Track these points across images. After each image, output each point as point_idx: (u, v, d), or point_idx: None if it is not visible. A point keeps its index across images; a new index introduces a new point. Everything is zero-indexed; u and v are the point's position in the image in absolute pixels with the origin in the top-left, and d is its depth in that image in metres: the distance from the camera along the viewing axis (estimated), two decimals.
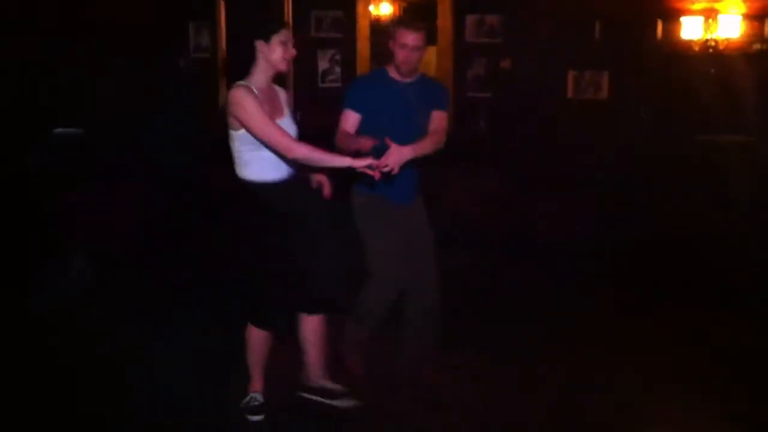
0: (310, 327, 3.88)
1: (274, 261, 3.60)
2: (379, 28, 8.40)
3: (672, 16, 7.13)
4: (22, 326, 5.05)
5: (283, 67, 3.55)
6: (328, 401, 3.94)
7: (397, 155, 3.52)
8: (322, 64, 8.30)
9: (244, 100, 3.39)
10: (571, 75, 7.58)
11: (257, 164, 3.53)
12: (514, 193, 6.74)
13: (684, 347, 4.71)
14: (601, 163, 6.87)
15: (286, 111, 3.67)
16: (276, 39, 3.47)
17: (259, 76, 3.53)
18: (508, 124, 7.47)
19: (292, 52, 3.54)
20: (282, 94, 3.71)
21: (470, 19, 7.83)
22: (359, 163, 3.41)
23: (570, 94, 7.60)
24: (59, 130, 7.71)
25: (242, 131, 3.45)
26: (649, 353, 4.63)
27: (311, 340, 3.90)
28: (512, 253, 6.29)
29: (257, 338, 3.79)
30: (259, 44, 3.48)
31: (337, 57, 8.26)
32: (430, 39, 8.23)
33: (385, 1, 8.77)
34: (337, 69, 8.26)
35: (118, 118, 7.76)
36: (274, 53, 3.49)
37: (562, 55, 7.50)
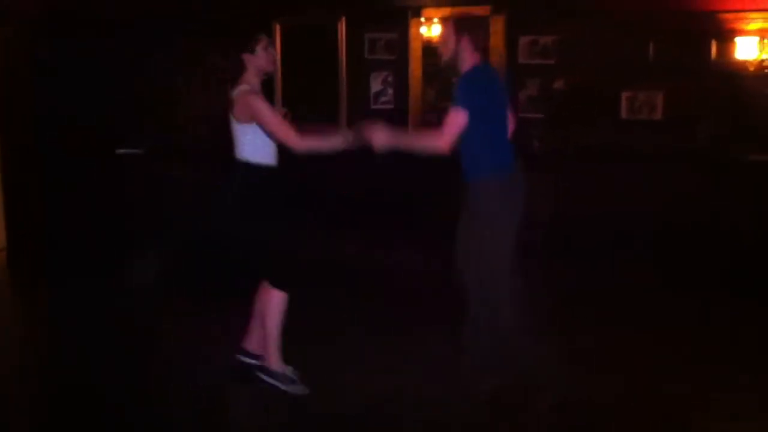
0: (269, 300, 4.33)
1: (282, 227, 4.28)
2: (431, 49, 8.46)
3: (726, 36, 7.06)
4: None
5: (272, 67, 4.38)
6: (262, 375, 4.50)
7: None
8: (375, 86, 8.40)
9: (256, 101, 4.13)
10: (624, 96, 7.54)
11: (259, 150, 4.22)
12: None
13: None
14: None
15: None
16: (259, 47, 4.27)
17: (254, 81, 4.29)
18: (561, 145, 7.45)
19: (273, 52, 4.39)
20: None
21: (523, 39, 7.85)
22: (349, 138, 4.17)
23: (624, 114, 7.55)
24: (122, 150, 7.96)
25: (250, 124, 4.15)
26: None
27: (266, 311, 4.37)
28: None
29: (281, 302, 4.29)
30: (246, 56, 4.26)
31: (390, 78, 8.35)
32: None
33: (437, 22, 8.83)
34: (390, 90, 8.35)
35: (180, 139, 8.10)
36: (261, 59, 4.27)
37: (615, 76, 7.48)
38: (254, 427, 4.27)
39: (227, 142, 4.37)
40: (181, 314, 5.79)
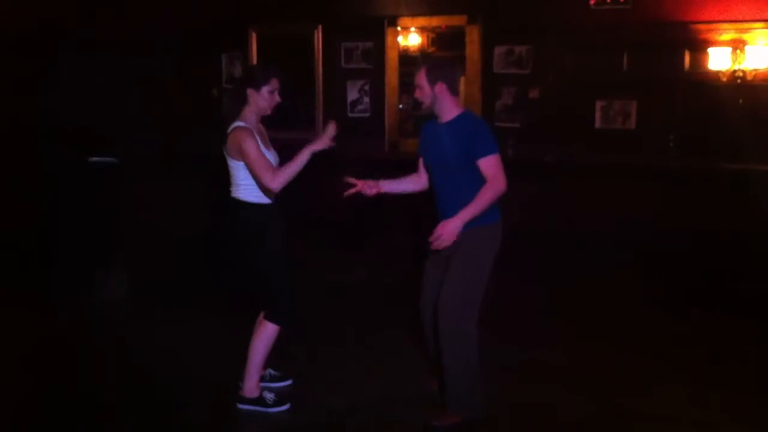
0: (263, 329, 4.27)
1: (278, 266, 4.19)
2: (407, 58, 8.49)
3: (700, 46, 7.13)
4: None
5: (269, 111, 4.16)
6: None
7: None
8: (352, 95, 8.41)
9: (245, 138, 3.98)
10: (599, 105, 7.60)
11: (254, 189, 4.09)
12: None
13: None
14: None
15: (270, 145, 4.25)
16: (265, 89, 4.08)
17: (251, 117, 4.11)
18: (536, 154, 7.48)
19: (278, 99, 4.14)
20: (265, 132, 4.27)
21: (498, 49, 7.89)
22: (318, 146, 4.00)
23: (598, 124, 7.61)
24: (95, 158, 7.90)
25: (242, 162, 4.02)
26: None
27: (256, 338, 4.30)
28: None
29: (273, 334, 4.24)
30: (250, 91, 4.08)
31: (366, 87, 8.37)
32: None
33: (414, 32, 8.86)
34: (366, 99, 8.37)
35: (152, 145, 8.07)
36: (263, 101, 4.10)
37: (590, 86, 7.53)
38: (253, 427, 4.27)
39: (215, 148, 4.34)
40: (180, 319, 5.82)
